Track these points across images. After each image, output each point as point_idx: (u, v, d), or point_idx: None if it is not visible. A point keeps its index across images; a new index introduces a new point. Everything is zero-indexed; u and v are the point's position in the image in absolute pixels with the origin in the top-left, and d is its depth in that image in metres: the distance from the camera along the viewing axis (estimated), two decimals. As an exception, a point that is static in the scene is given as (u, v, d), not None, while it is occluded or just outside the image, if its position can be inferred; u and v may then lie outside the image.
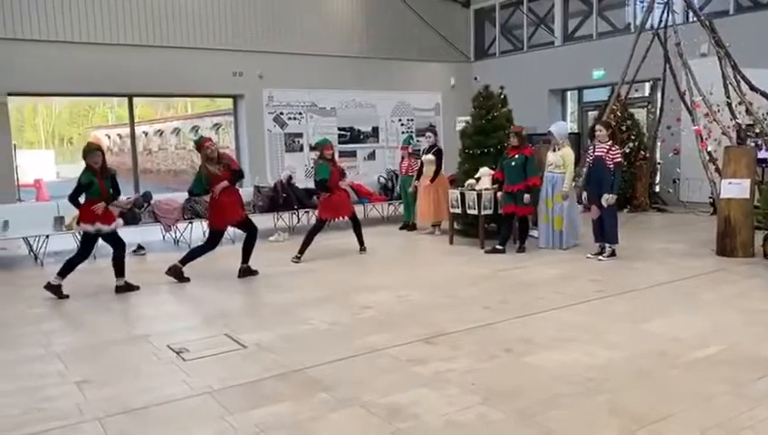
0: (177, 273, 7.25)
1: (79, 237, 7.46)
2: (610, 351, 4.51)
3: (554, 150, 8.30)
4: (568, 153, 8.24)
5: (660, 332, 4.95)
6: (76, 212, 6.84)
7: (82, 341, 5.28)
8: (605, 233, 7.75)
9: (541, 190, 8.37)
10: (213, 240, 7.40)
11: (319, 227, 8.50)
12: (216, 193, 7.19)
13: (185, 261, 7.31)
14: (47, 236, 8.72)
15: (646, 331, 5.00)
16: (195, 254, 7.39)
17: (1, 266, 8.55)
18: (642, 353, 4.46)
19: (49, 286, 6.61)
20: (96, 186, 6.58)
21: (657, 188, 13.12)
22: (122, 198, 9.58)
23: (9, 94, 12.08)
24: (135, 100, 14.01)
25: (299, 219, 11.37)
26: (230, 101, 14.88)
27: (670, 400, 3.69)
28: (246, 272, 7.47)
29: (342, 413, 3.65)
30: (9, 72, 11.55)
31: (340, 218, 8.79)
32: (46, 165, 29.21)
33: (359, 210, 11.89)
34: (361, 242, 8.75)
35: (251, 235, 7.52)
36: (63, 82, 12.28)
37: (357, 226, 8.76)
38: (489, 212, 8.60)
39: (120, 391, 4.06)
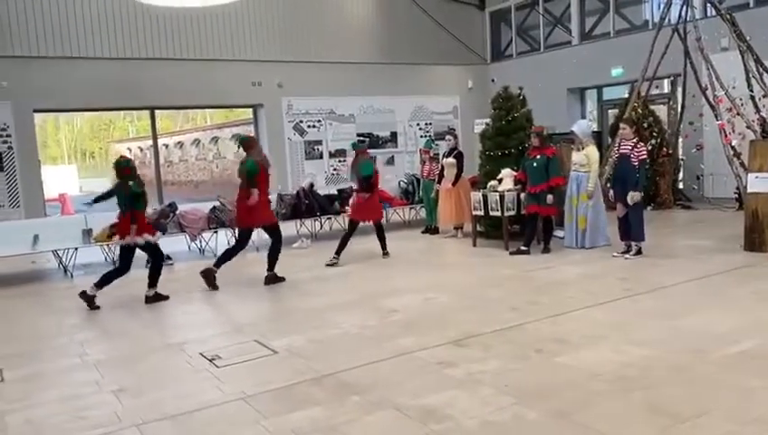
0: (210, 276, 7.33)
1: (115, 251, 7.58)
2: (643, 348, 4.47)
3: (578, 150, 8.27)
4: (592, 152, 8.20)
5: (692, 328, 4.91)
6: (105, 225, 6.94)
7: (116, 350, 5.36)
8: (631, 231, 7.69)
9: (566, 190, 8.33)
10: (241, 241, 7.52)
11: (353, 228, 8.63)
12: (255, 195, 7.27)
13: (219, 263, 7.42)
14: (76, 249, 8.87)
15: (678, 328, 4.96)
16: (227, 256, 7.49)
17: (33, 279, 8.71)
18: (676, 350, 4.42)
19: (84, 295, 6.70)
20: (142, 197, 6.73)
21: (681, 185, 13.00)
22: (148, 209, 9.74)
23: (34, 111, 12.32)
24: (156, 113, 14.20)
25: (321, 226, 11.43)
26: (249, 110, 15.01)
27: (707, 395, 3.66)
28: (272, 279, 7.52)
29: (377, 416, 3.66)
30: (34, 89, 11.77)
31: (369, 221, 8.83)
32: (70, 179, 29.65)
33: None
34: (384, 246, 8.77)
35: (276, 241, 7.58)
36: (86, 97, 12.49)
37: (380, 230, 8.79)
38: (512, 213, 8.58)
39: (156, 399, 4.11)
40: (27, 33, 12.01)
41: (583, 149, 8.21)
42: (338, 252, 8.41)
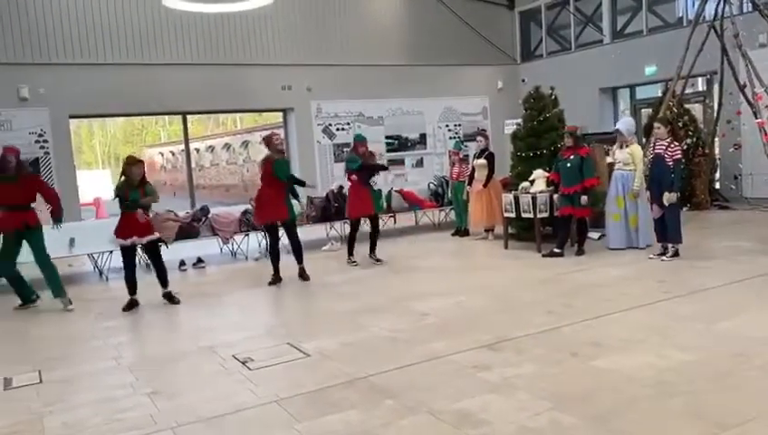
0: (305, 275, 7.77)
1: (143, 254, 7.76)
2: (684, 353, 4.35)
3: (621, 147, 8.12)
4: (637, 150, 8.05)
5: (735, 332, 4.77)
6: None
7: (150, 353, 5.42)
8: (667, 232, 7.53)
9: (609, 189, 8.18)
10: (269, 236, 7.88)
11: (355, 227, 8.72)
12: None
13: (301, 259, 7.84)
14: (111, 252, 8.99)
15: (719, 331, 4.82)
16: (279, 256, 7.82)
17: (69, 282, 8.81)
18: (718, 355, 4.30)
19: (166, 297, 7.05)
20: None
21: (718, 185, 12.69)
22: (181, 212, 9.87)
23: (70, 117, 12.55)
24: (188, 117, 14.36)
25: (351, 228, 11.41)
26: (279, 114, 15.09)
27: (752, 402, 3.53)
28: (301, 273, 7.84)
29: (411, 420, 3.62)
30: (69, 95, 11.99)
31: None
32: (103, 184, 30.19)
33: (409, 217, 11.94)
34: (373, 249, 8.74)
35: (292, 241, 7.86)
36: (119, 103, 12.68)
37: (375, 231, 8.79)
38: (545, 215, 8.46)
39: (190, 402, 4.13)
40: (63, 42, 12.24)
41: (627, 147, 8.06)
42: (349, 253, 8.62)
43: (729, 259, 7.38)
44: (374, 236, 8.72)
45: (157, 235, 7.10)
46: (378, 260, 8.58)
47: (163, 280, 7.10)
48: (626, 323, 5.16)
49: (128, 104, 12.84)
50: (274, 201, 7.65)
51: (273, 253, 7.77)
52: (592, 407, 3.61)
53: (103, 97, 12.35)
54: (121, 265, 7.13)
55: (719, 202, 12.07)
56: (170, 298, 7.06)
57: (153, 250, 7.10)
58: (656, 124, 7.82)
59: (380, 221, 9.10)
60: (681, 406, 3.55)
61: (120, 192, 6.85)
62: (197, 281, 8.07)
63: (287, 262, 7.91)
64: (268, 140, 7.83)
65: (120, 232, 6.88)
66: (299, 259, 7.85)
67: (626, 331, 4.95)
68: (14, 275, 7.19)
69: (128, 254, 6.95)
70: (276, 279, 7.68)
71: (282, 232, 7.93)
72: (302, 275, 7.79)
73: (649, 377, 3.97)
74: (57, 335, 6.14)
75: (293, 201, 7.97)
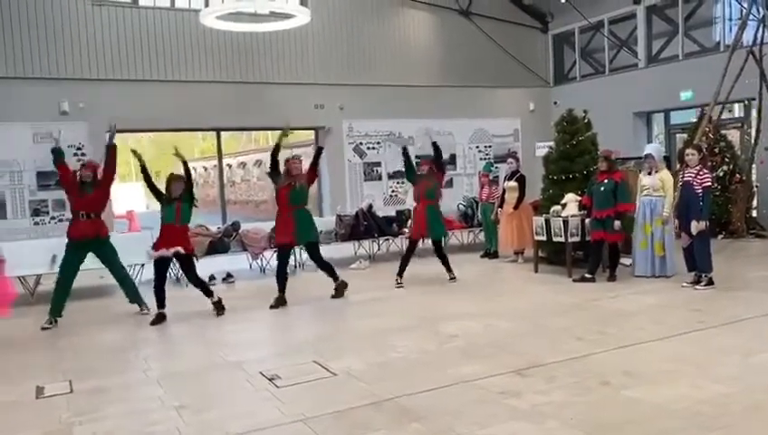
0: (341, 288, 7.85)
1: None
2: (721, 385, 4.23)
3: (650, 173, 8.00)
4: (667, 176, 7.93)
5: (772, 365, 4.63)
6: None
7: (178, 367, 5.44)
8: (696, 261, 7.37)
9: (637, 216, 8.06)
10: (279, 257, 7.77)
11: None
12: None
13: (334, 275, 7.85)
14: (143, 265, 9.11)
15: (756, 364, 4.68)
16: (328, 266, 7.88)
17: (102, 294, 8.97)
18: (756, 387, 4.17)
19: (216, 305, 7.17)
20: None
21: (755, 213, 12.41)
22: (212, 228, 9.98)
23: (107, 132, 12.81)
24: (222, 134, 14.57)
25: (379, 247, 11.42)
26: (310, 132, 15.22)
27: (793, 440, 3.42)
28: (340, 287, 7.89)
29: (438, 445, 3.58)
30: (107, 110, 12.23)
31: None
32: (137, 197, 30.71)
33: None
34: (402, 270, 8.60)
35: (315, 260, 7.85)
36: (155, 118, 12.90)
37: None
38: (576, 239, 8.35)
39: (217, 417, 4.14)
40: (103, 58, 12.56)
41: (656, 172, 7.95)
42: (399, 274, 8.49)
43: (765, 290, 7.19)
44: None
45: (182, 249, 7.14)
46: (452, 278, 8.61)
47: (205, 292, 7.22)
48: (659, 353, 5.05)
49: (163, 120, 13.06)
50: (288, 223, 7.59)
51: (281, 274, 7.60)
52: (624, 438, 3.53)
53: (139, 112, 12.58)
54: (152, 278, 7.22)
55: (755, 230, 11.79)
56: (219, 307, 7.19)
57: (186, 264, 7.19)
58: (689, 150, 7.66)
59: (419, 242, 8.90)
60: (717, 441, 3.45)
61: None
62: (226, 296, 8.08)
63: (310, 278, 7.92)
64: (288, 166, 7.68)
65: (157, 245, 7.05)
66: (332, 277, 7.86)
67: (659, 360, 4.84)
68: (71, 283, 7.27)
69: (160, 266, 7.07)
70: (281, 302, 7.51)
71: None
72: (338, 291, 7.83)
73: (683, 409, 3.87)
74: (88, 346, 6.22)
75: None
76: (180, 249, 7.03)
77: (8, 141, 11.68)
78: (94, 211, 7.28)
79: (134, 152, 7.52)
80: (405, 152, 8.66)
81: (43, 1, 12.16)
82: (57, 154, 7.25)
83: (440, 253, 8.64)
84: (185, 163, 7.34)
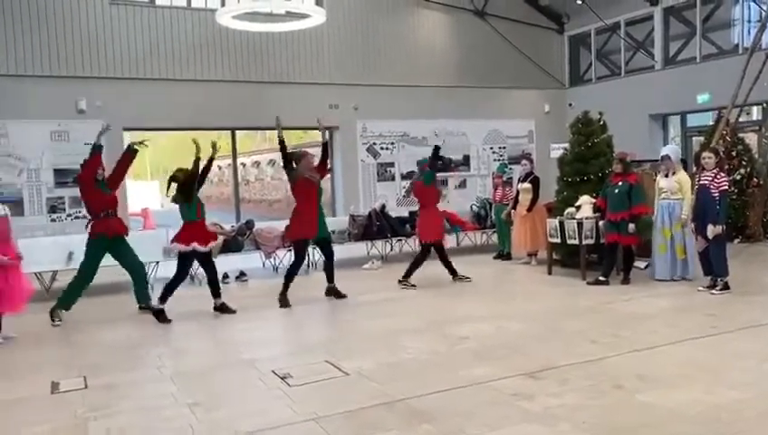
0: (336, 292, 7.81)
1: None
2: (735, 390, 4.19)
3: (667, 175, 7.94)
4: (685, 177, 7.86)
5: (789, 372, 4.58)
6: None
7: (191, 364, 5.48)
8: (711, 265, 7.30)
9: (656, 220, 8.00)
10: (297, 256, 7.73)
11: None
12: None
13: (332, 279, 7.84)
14: (157, 263, 9.17)
15: (772, 370, 4.64)
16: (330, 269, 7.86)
17: (118, 291, 9.03)
18: (770, 394, 4.13)
19: (153, 312, 6.99)
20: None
21: (772, 217, 12.25)
22: (227, 226, 10.03)
23: (124, 129, 12.92)
24: (236, 133, 14.65)
25: (392, 247, 11.43)
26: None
27: (808, 447, 3.38)
28: (332, 292, 7.81)
29: (449, 446, 3.57)
30: (124, 108, 12.37)
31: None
32: (152, 195, 30.91)
33: (451, 239, 11.84)
34: (453, 271, 8.62)
35: (328, 256, 7.82)
36: (171, 117, 13.01)
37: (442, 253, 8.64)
38: (591, 241, 8.30)
39: (230, 415, 4.16)
40: (121, 56, 12.69)
41: (674, 174, 7.88)
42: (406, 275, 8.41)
43: (783, 295, 7.12)
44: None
45: (211, 245, 7.19)
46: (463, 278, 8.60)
47: (215, 290, 7.22)
48: (673, 357, 5.01)
49: (179, 119, 13.16)
50: (307, 218, 7.61)
51: (292, 272, 7.59)
52: (637, 442, 3.51)
53: (156, 111, 12.70)
54: (166, 275, 7.25)
55: (773, 235, 11.66)
56: (224, 309, 7.17)
57: (208, 261, 7.22)
58: (705, 154, 7.56)
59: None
60: (732, 447, 3.42)
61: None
62: (240, 294, 8.16)
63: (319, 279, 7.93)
64: (300, 159, 7.69)
65: (182, 239, 7.02)
66: (331, 277, 7.86)
67: (673, 365, 4.80)
68: (92, 280, 7.36)
69: (185, 261, 7.11)
70: (286, 302, 7.49)
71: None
72: (336, 294, 7.79)
73: (697, 414, 3.84)
74: (102, 342, 6.27)
75: None
76: (213, 244, 7.11)
77: (26, 139, 11.83)
78: (116, 208, 7.42)
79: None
80: (436, 153, 8.63)
81: (62, 0, 12.30)
82: (98, 149, 7.38)
83: (443, 256, 8.64)
84: (211, 159, 7.28)
